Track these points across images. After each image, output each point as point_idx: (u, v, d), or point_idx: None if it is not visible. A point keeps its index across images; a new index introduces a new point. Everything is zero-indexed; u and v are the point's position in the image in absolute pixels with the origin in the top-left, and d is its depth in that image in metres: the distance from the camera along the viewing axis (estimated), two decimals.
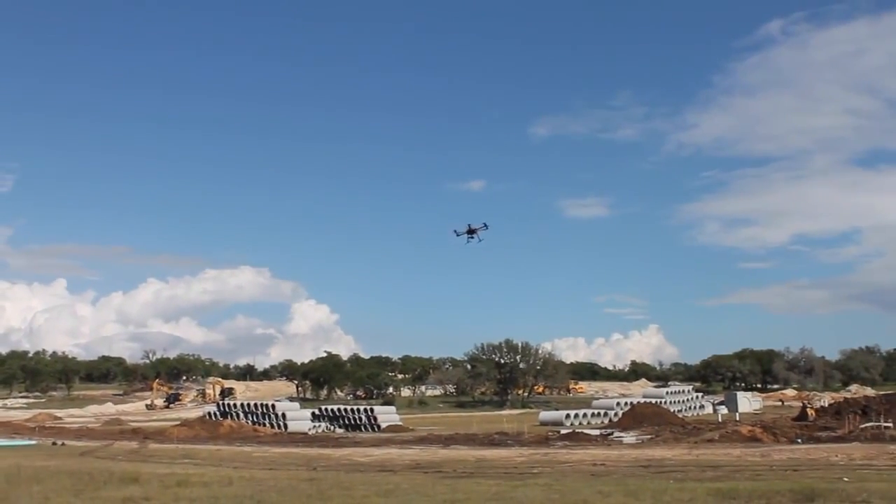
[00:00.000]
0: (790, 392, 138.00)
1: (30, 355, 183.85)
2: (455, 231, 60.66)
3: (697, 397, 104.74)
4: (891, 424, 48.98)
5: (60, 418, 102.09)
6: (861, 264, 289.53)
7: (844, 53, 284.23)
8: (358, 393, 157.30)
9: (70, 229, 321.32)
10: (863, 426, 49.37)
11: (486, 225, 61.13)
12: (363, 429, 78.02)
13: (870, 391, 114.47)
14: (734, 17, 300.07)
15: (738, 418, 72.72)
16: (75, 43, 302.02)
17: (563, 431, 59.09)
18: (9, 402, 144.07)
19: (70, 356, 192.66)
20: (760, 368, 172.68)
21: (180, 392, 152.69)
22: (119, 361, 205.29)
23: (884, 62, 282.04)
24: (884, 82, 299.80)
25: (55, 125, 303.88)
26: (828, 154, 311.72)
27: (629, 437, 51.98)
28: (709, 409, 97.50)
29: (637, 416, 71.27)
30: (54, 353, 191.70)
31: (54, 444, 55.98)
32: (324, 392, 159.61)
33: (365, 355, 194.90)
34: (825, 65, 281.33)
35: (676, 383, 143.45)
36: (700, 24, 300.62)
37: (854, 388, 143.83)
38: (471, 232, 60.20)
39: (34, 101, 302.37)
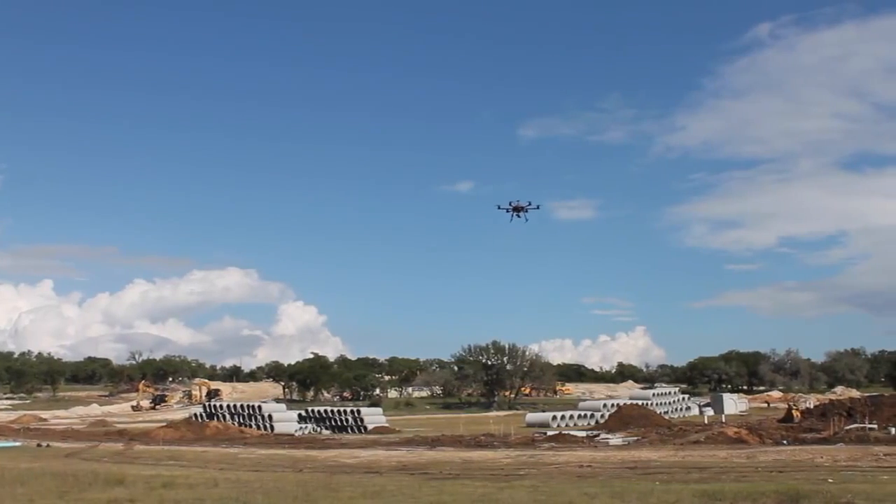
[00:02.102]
0: (776, 394, 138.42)
1: (15, 356, 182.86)
2: (499, 206, 58.58)
3: (684, 399, 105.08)
4: (875, 426, 49.29)
5: (45, 419, 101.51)
6: (847, 267, 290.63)
7: (832, 57, 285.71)
8: (345, 394, 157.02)
9: (57, 230, 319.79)
10: (847, 428, 49.66)
11: (537, 206, 59.22)
12: (350, 430, 77.93)
13: (855, 393, 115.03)
14: (723, 20, 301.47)
15: (723, 420, 72.93)
16: (63, 43, 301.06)
17: (550, 433, 59.13)
18: None
19: (56, 357, 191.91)
20: (746, 370, 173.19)
21: (166, 393, 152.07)
22: (105, 362, 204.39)
23: (871, 66, 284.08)
24: (871, 86, 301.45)
25: (43, 125, 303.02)
26: (815, 157, 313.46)
27: (615, 439, 52.09)
28: (695, 411, 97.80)
29: (623, 418, 71.45)
30: (40, 354, 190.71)
31: (39, 445, 55.66)
32: (310, 393, 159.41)
33: (352, 357, 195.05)
34: (813, 68, 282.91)
35: (663, 385, 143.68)
36: (689, 26, 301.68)
37: (839, 389, 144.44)
38: (517, 210, 58.16)
39: (22, 102, 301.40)
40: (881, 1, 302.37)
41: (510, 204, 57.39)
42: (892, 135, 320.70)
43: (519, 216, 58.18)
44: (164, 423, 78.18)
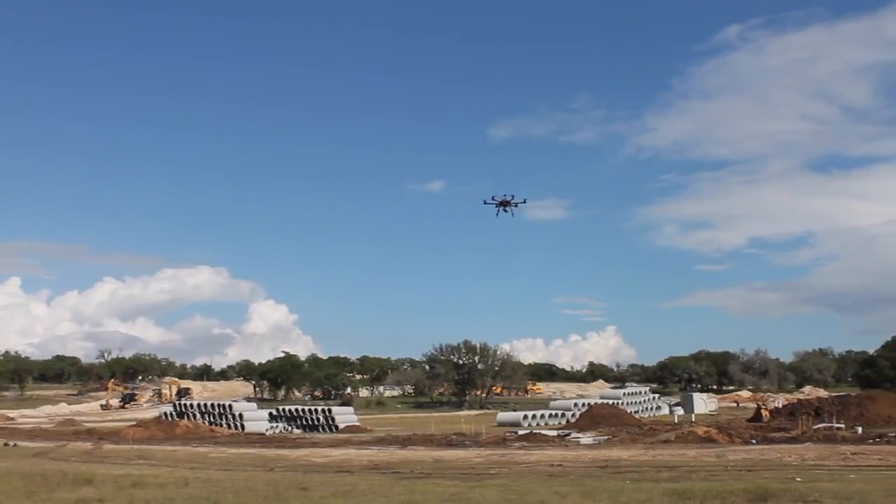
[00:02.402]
0: (745, 393, 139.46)
1: None
2: (486, 201, 56.72)
3: (654, 398, 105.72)
4: (842, 425, 49.90)
5: (13, 419, 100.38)
6: (815, 268, 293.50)
7: (800, 60, 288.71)
8: (316, 393, 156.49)
9: (25, 227, 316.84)
10: (815, 427, 50.25)
11: (524, 200, 57.38)
12: (321, 429, 77.75)
13: (822, 393, 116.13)
14: (693, 21, 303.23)
15: (693, 419, 73.49)
16: (34, 40, 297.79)
17: (521, 432, 59.34)
18: None
19: (23, 356, 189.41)
20: (716, 370, 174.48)
21: (136, 392, 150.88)
22: (74, 361, 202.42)
23: (839, 69, 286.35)
24: (838, 89, 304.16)
25: (10, 122, 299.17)
26: (783, 159, 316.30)
27: (586, 438, 52.33)
28: (665, 410, 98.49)
29: (594, 417, 71.81)
30: (7, 352, 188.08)
31: (6, 444, 55.13)
32: (281, 392, 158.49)
33: (323, 356, 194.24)
34: (782, 70, 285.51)
35: (633, 384, 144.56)
36: (659, 28, 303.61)
37: (807, 389, 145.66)
38: (503, 204, 56.00)
39: None
40: (849, 4, 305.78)
41: (493, 198, 55.79)
42: (860, 137, 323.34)
43: (506, 211, 56.48)
44: (133, 423, 77.70)
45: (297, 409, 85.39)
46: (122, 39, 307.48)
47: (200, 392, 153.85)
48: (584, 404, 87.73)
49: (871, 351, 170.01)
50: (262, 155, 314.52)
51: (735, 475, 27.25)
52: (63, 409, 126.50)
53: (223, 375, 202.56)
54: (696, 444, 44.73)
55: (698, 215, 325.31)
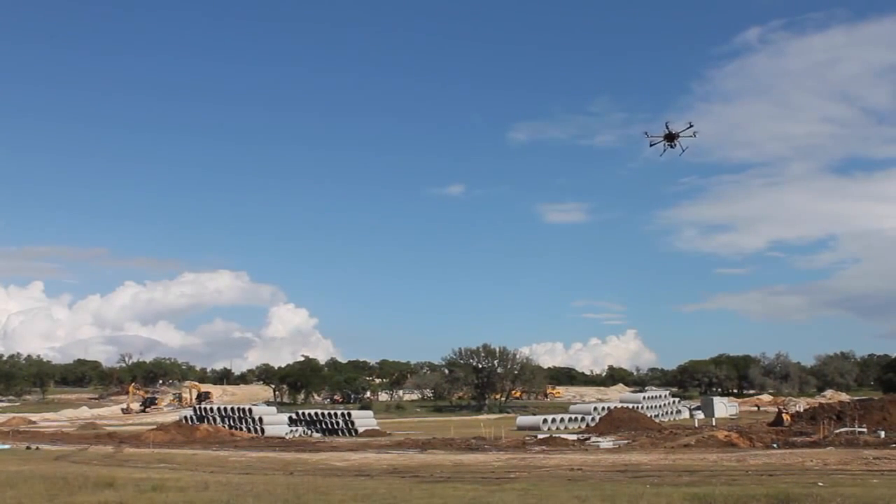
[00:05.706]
0: (766, 397, 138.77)
1: (4, 358, 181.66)
2: (647, 133, 43.86)
3: (674, 402, 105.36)
4: (865, 430, 49.47)
5: (35, 422, 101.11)
6: (837, 271, 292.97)
7: (821, 62, 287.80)
8: (335, 397, 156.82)
9: (47, 231, 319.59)
10: (837, 431, 49.84)
11: (694, 134, 43.00)
12: (340, 433, 77.85)
13: (844, 396, 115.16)
14: (713, 24, 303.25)
15: (714, 423, 73.11)
16: (53, 45, 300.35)
17: (541, 436, 59.28)
18: None
19: (45, 359, 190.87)
20: (737, 374, 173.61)
21: (156, 396, 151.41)
22: (95, 365, 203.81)
23: (859, 71, 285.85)
24: (859, 91, 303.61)
25: (33, 127, 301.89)
26: (804, 161, 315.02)
27: (606, 442, 52.14)
28: (685, 414, 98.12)
29: (614, 421, 71.52)
30: (29, 356, 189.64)
31: (28, 448, 55.39)
32: (301, 396, 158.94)
33: (343, 359, 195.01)
34: (802, 73, 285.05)
35: (653, 388, 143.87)
36: (679, 31, 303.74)
37: (829, 393, 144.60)
38: (670, 137, 43.03)
39: (11, 103, 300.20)
40: (869, 6, 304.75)
41: (667, 126, 43.43)
42: (881, 139, 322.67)
43: (673, 146, 44.76)
44: (154, 426, 77.89)
45: (316, 413, 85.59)
46: (144, 43, 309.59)
47: (220, 396, 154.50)
48: (603, 408, 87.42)
49: (894, 354, 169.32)
50: (283, 159, 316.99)
51: (756, 480, 27.09)
52: (84, 412, 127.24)
53: (243, 379, 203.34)
54: (717, 448, 44.48)
55: (719, 218, 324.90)
